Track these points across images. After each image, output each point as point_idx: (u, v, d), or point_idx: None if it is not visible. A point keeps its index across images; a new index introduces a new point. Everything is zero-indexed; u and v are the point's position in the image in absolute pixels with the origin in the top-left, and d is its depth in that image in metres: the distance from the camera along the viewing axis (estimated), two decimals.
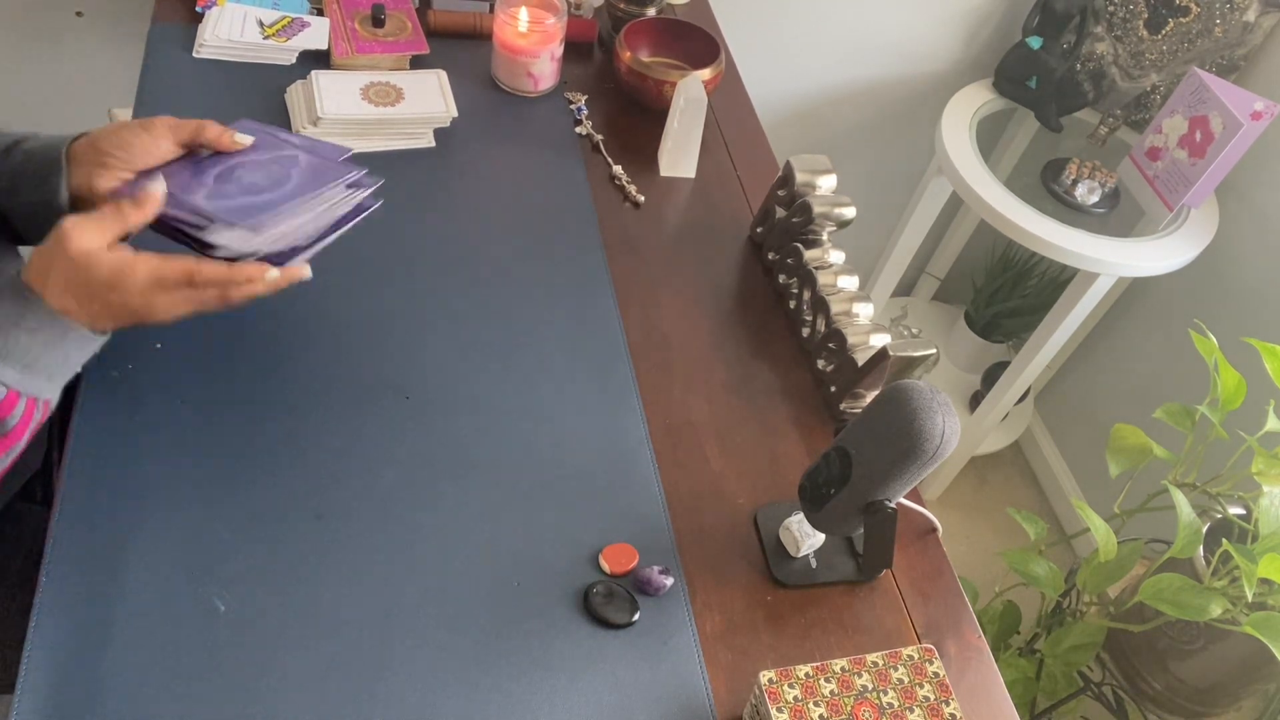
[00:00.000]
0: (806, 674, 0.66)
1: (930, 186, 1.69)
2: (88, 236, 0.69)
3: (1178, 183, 1.49)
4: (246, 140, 0.82)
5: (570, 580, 0.75)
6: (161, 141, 0.78)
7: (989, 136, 1.70)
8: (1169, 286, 1.76)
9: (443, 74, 1.14)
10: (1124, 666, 1.51)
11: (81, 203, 0.78)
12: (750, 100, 1.31)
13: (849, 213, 0.99)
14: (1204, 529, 1.29)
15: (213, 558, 0.71)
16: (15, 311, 0.68)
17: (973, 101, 1.68)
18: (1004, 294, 1.96)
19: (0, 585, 0.86)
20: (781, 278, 1.03)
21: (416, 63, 1.17)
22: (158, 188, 0.75)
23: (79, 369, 0.72)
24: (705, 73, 1.16)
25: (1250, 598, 1.12)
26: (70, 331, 0.70)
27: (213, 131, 0.80)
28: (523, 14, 1.14)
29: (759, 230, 1.08)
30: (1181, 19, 1.57)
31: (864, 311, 0.94)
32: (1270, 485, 1.16)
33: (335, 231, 0.83)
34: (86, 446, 0.75)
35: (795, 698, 0.65)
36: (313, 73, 1.09)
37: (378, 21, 1.15)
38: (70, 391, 0.78)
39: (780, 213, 1.04)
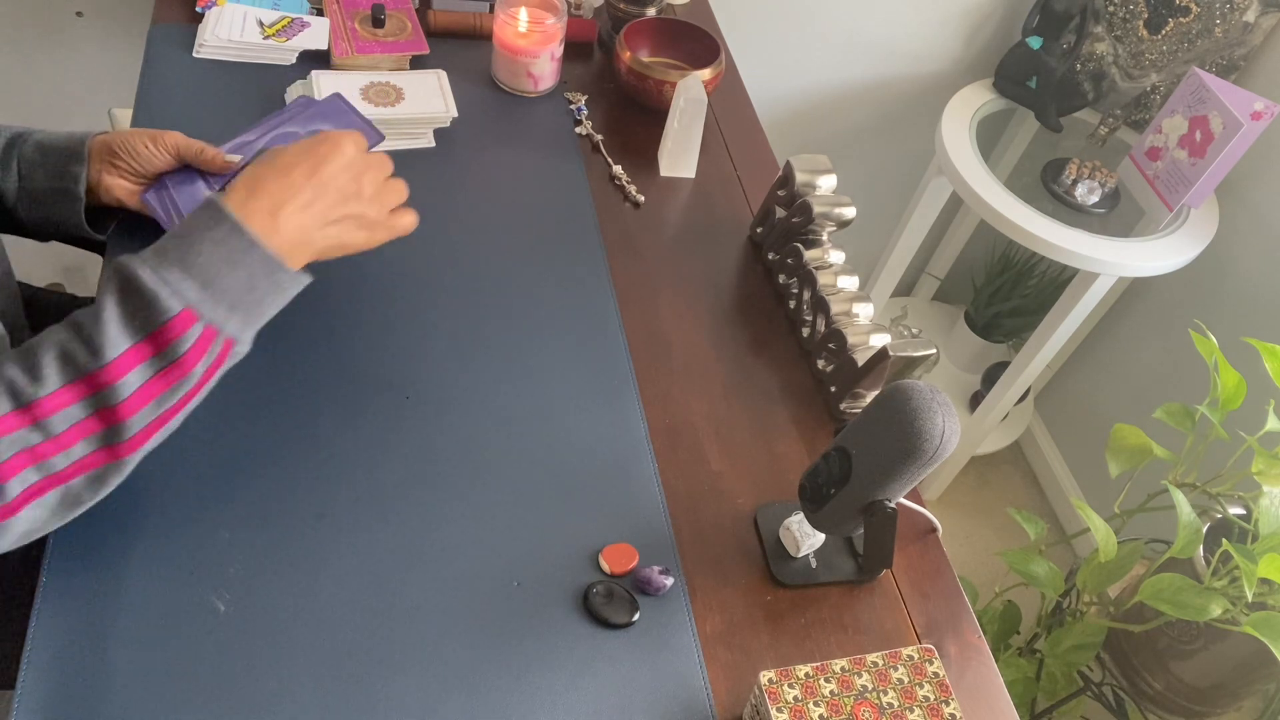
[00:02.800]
0: (806, 674, 0.66)
1: (930, 186, 1.69)
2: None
3: (1178, 183, 1.50)
4: (235, 160, 0.89)
5: (570, 580, 0.75)
6: (166, 155, 0.86)
7: (989, 136, 1.70)
8: (1169, 286, 1.76)
9: (443, 74, 1.14)
10: (1124, 666, 1.51)
11: (89, 194, 0.85)
12: (750, 100, 1.31)
13: (849, 213, 0.99)
14: (1204, 529, 1.29)
15: (213, 557, 0.71)
16: (202, 223, 0.66)
17: (973, 101, 1.68)
18: (1004, 294, 1.96)
19: (0, 584, 0.86)
20: (781, 278, 1.03)
21: (416, 63, 1.17)
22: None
23: (268, 311, 0.70)
24: (705, 73, 1.16)
25: (1250, 598, 1.12)
26: (255, 249, 0.67)
27: (208, 154, 0.87)
28: (523, 14, 1.14)
29: (759, 230, 1.08)
30: (1181, 19, 1.57)
31: (864, 311, 0.94)
32: (1270, 485, 1.16)
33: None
34: None
35: (795, 698, 0.65)
36: (313, 73, 1.09)
37: (378, 21, 1.15)
38: None
39: (780, 213, 1.04)
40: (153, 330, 0.62)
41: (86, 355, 0.61)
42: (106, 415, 0.62)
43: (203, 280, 0.64)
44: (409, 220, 0.82)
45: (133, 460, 0.65)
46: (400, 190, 0.80)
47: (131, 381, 0.62)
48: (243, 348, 0.69)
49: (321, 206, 0.72)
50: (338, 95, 0.97)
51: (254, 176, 0.70)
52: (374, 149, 0.91)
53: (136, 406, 0.62)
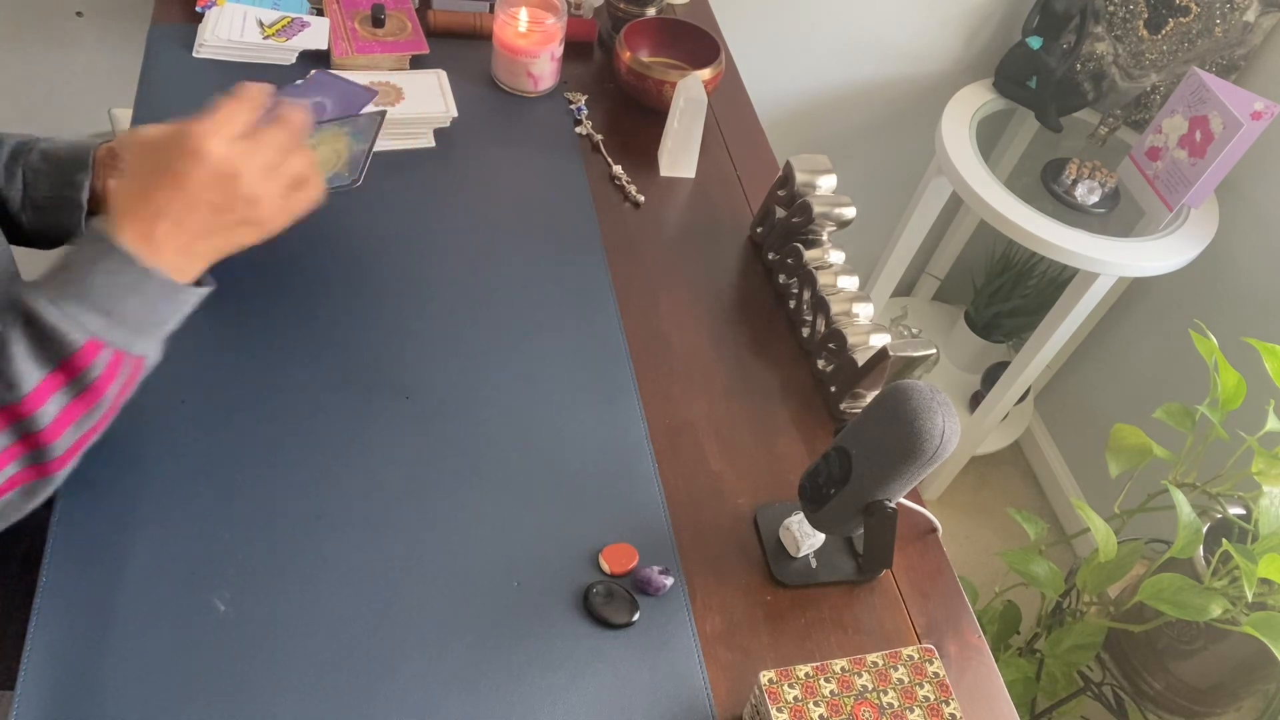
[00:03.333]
0: (806, 674, 0.66)
1: (930, 186, 1.69)
2: (218, 137, 0.67)
3: (1178, 183, 1.49)
4: None
5: (570, 580, 0.75)
6: None
7: (989, 136, 1.70)
8: (1169, 286, 1.76)
9: (443, 74, 1.14)
10: (1124, 666, 1.51)
11: (94, 201, 0.85)
12: (750, 100, 1.31)
13: (849, 213, 0.99)
14: (1204, 529, 1.29)
15: (213, 557, 0.71)
16: (92, 255, 0.64)
17: (973, 101, 1.68)
18: (1004, 294, 1.96)
19: (0, 585, 0.86)
20: (781, 278, 1.03)
21: (416, 63, 1.17)
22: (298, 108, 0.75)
23: (172, 324, 0.69)
24: (705, 73, 1.16)
25: (1250, 598, 1.12)
26: (152, 276, 0.66)
27: None
28: (523, 14, 1.14)
29: (759, 230, 1.08)
30: (1181, 19, 1.57)
31: (864, 311, 0.94)
32: (1270, 485, 1.16)
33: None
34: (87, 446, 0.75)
35: (795, 698, 0.65)
36: (312, 72, 1.09)
37: (378, 21, 1.15)
38: None
39: (780, 213, 1.04)
40: (61, 362, 0.62)
41: (3, 389, 0.61)
42: (31, 441, 0.63)
43: (103, 310, 0.64)
44: (305, 198, 0.74)
45: (62, 474, 0.67)
46: (299, 161, 0.72)
47: (50, 410, 0.63)
48: (154, 358, 0.69)
49: (194, 222, 0.67)
50: (321, 72, 0.98)
51: (122, 197, 0.67)
52: (364, 109, 0.92)
53: (59, 430, 0.64)
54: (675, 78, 1.15)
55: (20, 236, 0.88)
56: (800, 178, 1.00)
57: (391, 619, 0.71)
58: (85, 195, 0.83)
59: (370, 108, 0.94)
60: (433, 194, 1.04)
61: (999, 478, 2.13)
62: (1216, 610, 1.17)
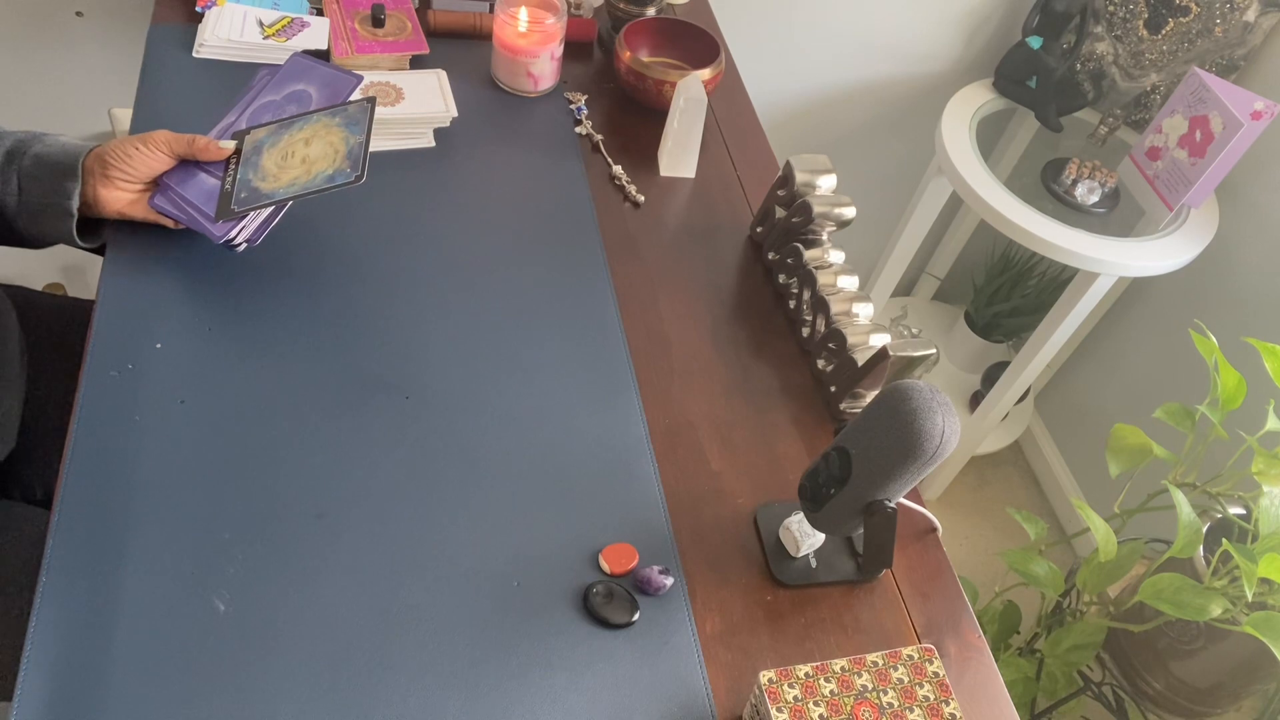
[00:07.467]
0: (806, 674, 0.66)
1: (930, 186, 1.69)
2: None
3: (1178, 183, 1.49)
4: (229, 146, 0.90)
5: (570, 580, 0.75)
6: (160, 154, 0.87)
7: (989, 136, 1.70)
8: (1169, 286, 1.76)
9: (443, 74, 1.14)
10: (1124, 666, 1.51)
11: (86, 208, 0.86)
12: (750, 100, 1.31)
13: (849, 213, 0.99)
14: (1204, 529, 1.29)
15: (213, 558, 0.71)
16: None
17: (973, 101, 1.68)
18: (1004, 294, 1.96)
19: (0, 588, 0.86)
20: (781, 278, 1.03)
21: (416, 63, 1.17)
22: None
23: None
24: (705, 73, 1.16)
25: (1250, 598, 1.12)
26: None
27: (200, 143, 0.88)
28: (523, 14, 1.14)
29: (759, 230, 1.08)
30: (1181, 19, 1.57)
31: (864, 311, 0.94)
32: (1270, 485, 1.16)
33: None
34: (86, 447, 0.75)
35: (795, 697, 0.65)
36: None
37: (378, 21, 1.15)
38: (70, 391, 0.78)
39: (780, 213, 1.04)
40: None
41: None
42: None
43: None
44: None
45: None
46: None
47: None
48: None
49: None
50: (297, 55, 0.98)
51: None
52: (353, 94, 0.94)
53: None
54: (675, 78, 1.15)
55: (14, 237, 0.88)
56: (800, 178, 1.00)
57: (391, 619, 0.71)
58: (75, 204, 0.84)
59: (356, 93, 0.94)
60: (433, 194, 1.04)
61: (999, 478, 2.13)
62: (1216, 610, 1.17)
